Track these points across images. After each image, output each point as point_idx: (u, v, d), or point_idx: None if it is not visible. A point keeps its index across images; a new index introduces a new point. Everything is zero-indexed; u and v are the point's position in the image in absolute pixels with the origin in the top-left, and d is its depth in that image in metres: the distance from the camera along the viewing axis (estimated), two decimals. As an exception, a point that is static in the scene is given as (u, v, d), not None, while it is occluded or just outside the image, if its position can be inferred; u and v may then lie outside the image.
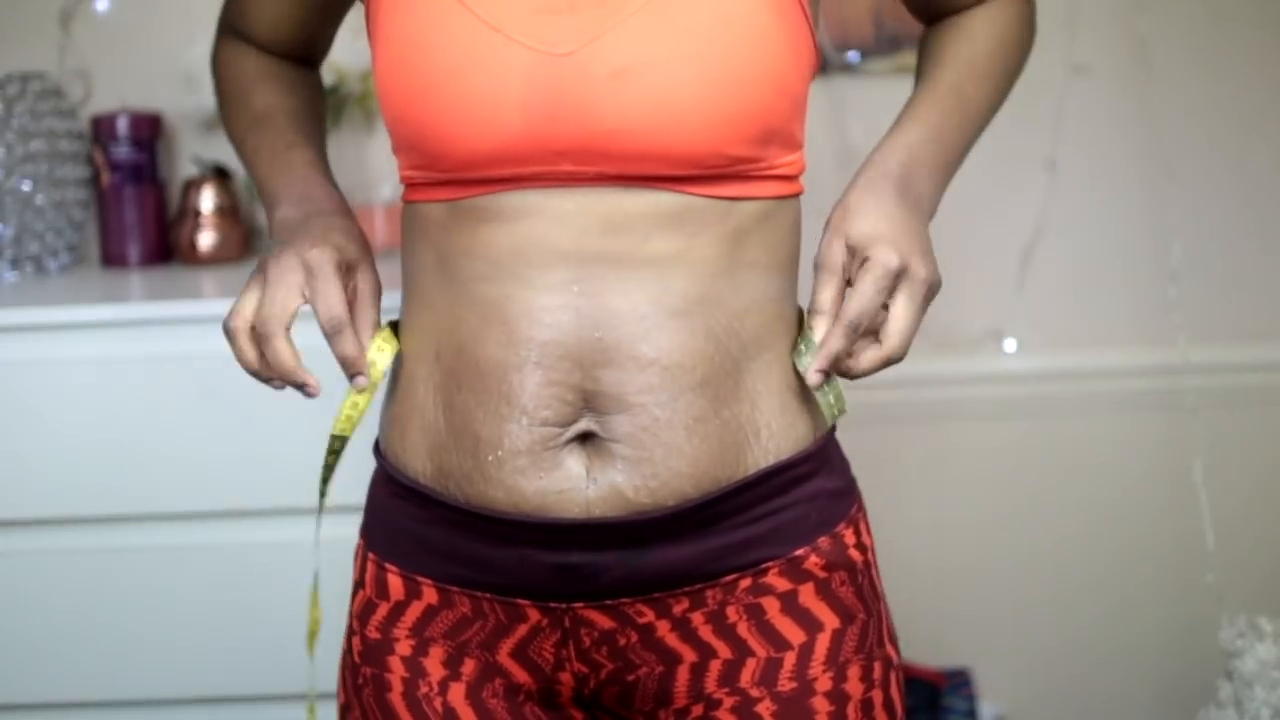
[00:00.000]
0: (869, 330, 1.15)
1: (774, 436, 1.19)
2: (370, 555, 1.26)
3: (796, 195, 1.20)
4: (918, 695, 2.25)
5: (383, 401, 1.27)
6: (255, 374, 1.21)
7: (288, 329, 1.18)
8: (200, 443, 1.82)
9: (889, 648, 1.25)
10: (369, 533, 1.28)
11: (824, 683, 1.20)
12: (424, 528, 1.21)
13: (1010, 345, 2.36)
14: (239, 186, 2.23)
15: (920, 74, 1.31)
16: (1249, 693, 2.03)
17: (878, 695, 1.23)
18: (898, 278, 1.14)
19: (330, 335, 1.18)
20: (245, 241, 2.20)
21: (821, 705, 1.20)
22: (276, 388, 1.22)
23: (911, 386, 2.31)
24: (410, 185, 1.21)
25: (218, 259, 2.15)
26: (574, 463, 1.15)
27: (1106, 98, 2.31)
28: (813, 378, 1.16)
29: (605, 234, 1.13)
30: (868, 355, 1.16)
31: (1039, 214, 2.31)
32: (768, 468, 1.18)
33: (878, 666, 1.23)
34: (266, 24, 1.37)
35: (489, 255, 1.15)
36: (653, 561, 1.17)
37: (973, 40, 1.30)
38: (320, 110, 1.41)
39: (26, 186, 2.09)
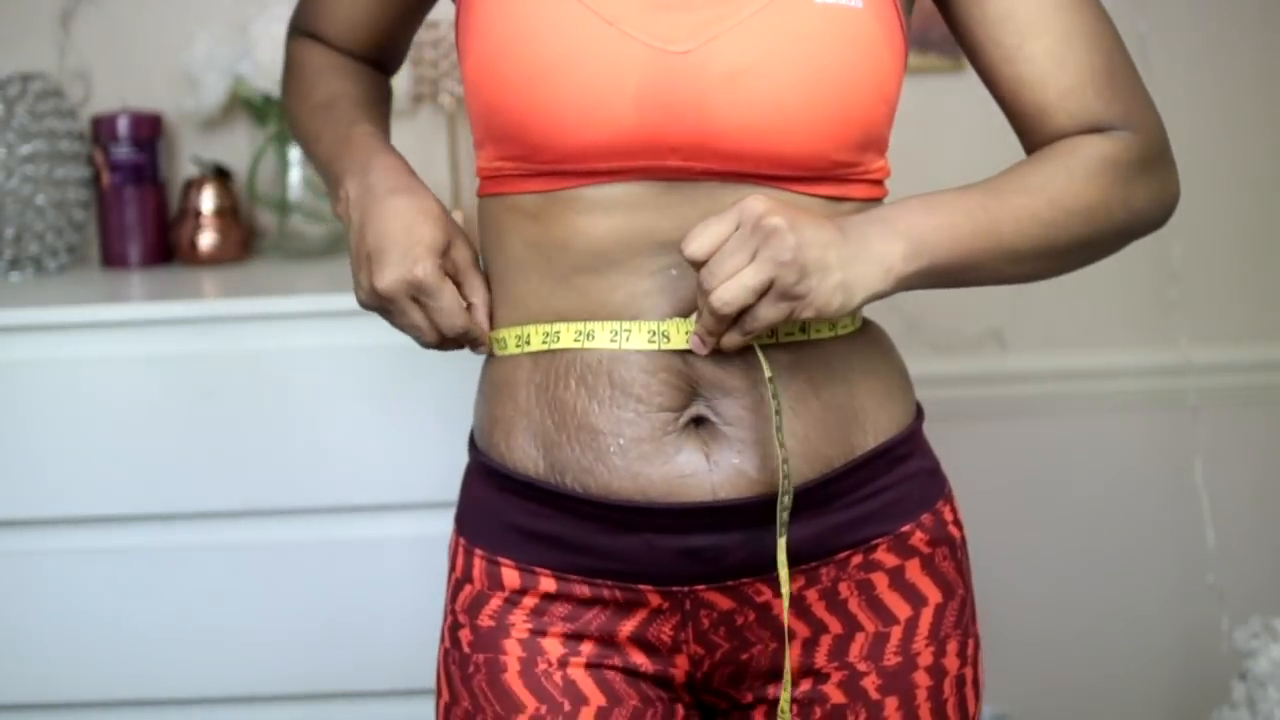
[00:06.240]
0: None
1: (870, 417, 1.21)
2: (477, 551, 1.25)
3: (881, 199, 1.21)
4: (918, 695, 2.25)
5: (477, 399, 1.27)
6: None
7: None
8: (200, 443, 1.82)
9: (978, 625, 1.29)
10: (470, 529, 1.27)
11: (925, 657, 1.23)
12: (539, 521, 1.21)
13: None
14: (239, 187, 2.23)
15: None
16: (1262, 693, 2.04)
17: (969, 672, 1.26)
18: (765, 239, 1.06)
19: (459, 341, 1.21)
20: (245, 242, 2.20)
21: (922, 679, 1.23)
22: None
23: (911, 386, 2.31)
24: (494, 178, 1.20)
25: (218, 259, 2.15)
26: (693, 448, 1.16)
27: (1106, 98, 2.30)
28: (692, 341, 1.14)
29: None
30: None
31: (1039, 214, 2.31)
32: (875, 448, 1.21)
33: (971, 644, 1.27)
34: (340, 22, 1.37)
35: (590, 247, 1.16)
36: (772, 541, 1.17)
37: (1041, 158, 1.20)
38: (387, 104, 1.40)
39: (27, 187, 2.09)
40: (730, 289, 1.07)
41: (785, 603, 1.17)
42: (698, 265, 1.09)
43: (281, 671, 1.86)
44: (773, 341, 1.16)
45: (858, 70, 1.13)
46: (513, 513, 1.22)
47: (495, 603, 1.23)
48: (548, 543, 1.21)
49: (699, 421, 1.17)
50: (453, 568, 1.28)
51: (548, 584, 1.22)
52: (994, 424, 2.35)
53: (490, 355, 1.24)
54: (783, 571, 1.16)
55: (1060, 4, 1.20)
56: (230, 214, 2.18)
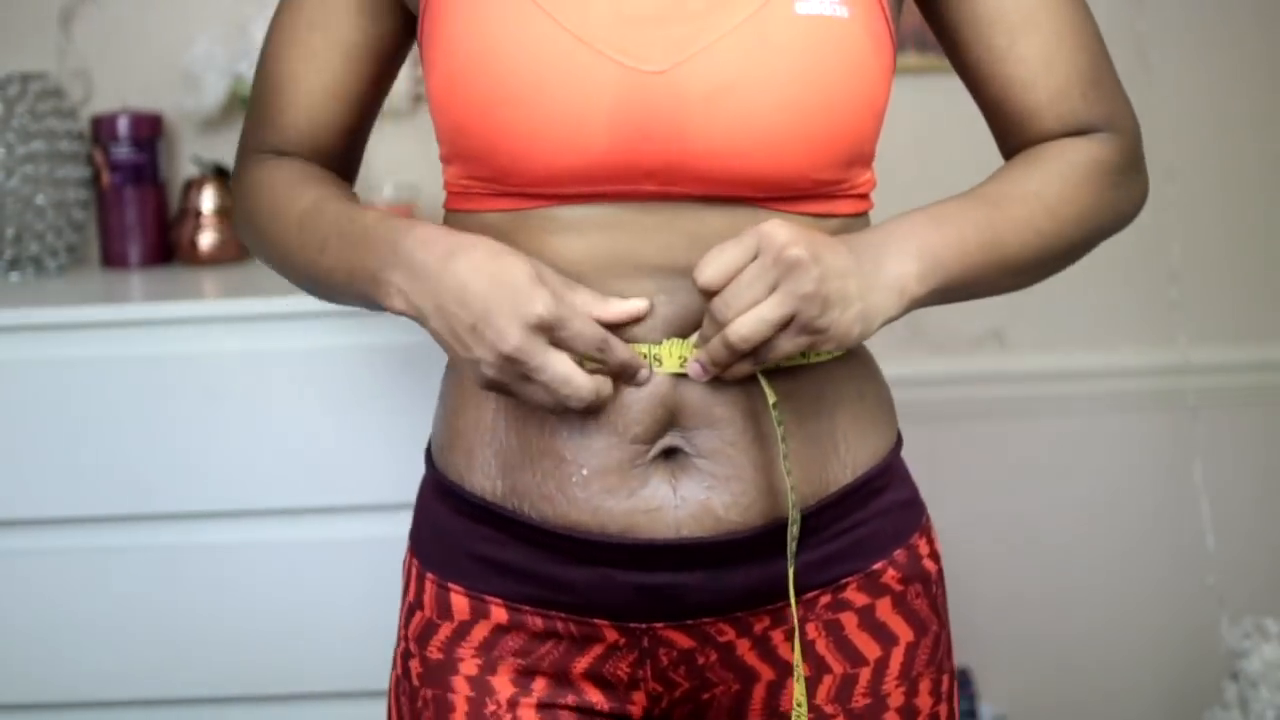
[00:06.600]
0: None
1: (850, 449, 1.16)
2: (429, 575, 1.19)
3: (868, 212, 1.16)
4: (918, 695, 2.25)
5: (438, 410, 1.22)
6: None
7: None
8: (200, 443, 1.82)
9: (952, 659, 1.24)
10: (423, 550, 1.21)
11: (896, 698, 1.18)
12: (493, 547, 1.15)
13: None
14: (239, 187, 2.24)
15: None
16: (1254, 693, 2.04)
17: (943, 709, 1.21)
18: (787, 271, 1.02)
19: (602, 353, 1.06)
20: (245, 242, 2.20)
21: None
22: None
23: (911, 386, 2.31)
24: (462, 194, 1.14)
25: (218, 259, 2.15)
26: (660, 480, 1.11)
27: (1106, 98, 2.31)
28: (691, 367, 1.08)
29: (693, 248, 1.07)
30: (713, 341, 1.05)
31: (1039, 214, 2.31)
32: (850, 484, 1.16)
33: (945, 679, 1.22)
34: (300, 126, 1.24)
35: (564, 268, 1.09)
36: (738, 581, 1.13)
37: (1032, 163, 1.17)
38: None
39: (27, 187, 2.09)
40: (748, 324, 1.03)
41: (796, 643, 1.13)
42: (709, 293, 1.04)
43: (286, 671, 1.86)
44: (773, 366, 1.09)
45: (845, 85, 1.07)
46: (466, 536, 1.16)
47: (444, 633, 1.17)
48: (501, 570, 1.15)
49: (669, 453, 1.11)
50: (406, 589, 1.22)
51: (499, 614, 1.15)
52: (994, 424, 2.35)
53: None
54: (793, 608, 1.12)
55: (1050, 3, 1.16)
56: (230, 214, 2.17)
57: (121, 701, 1.87)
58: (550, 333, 1.04)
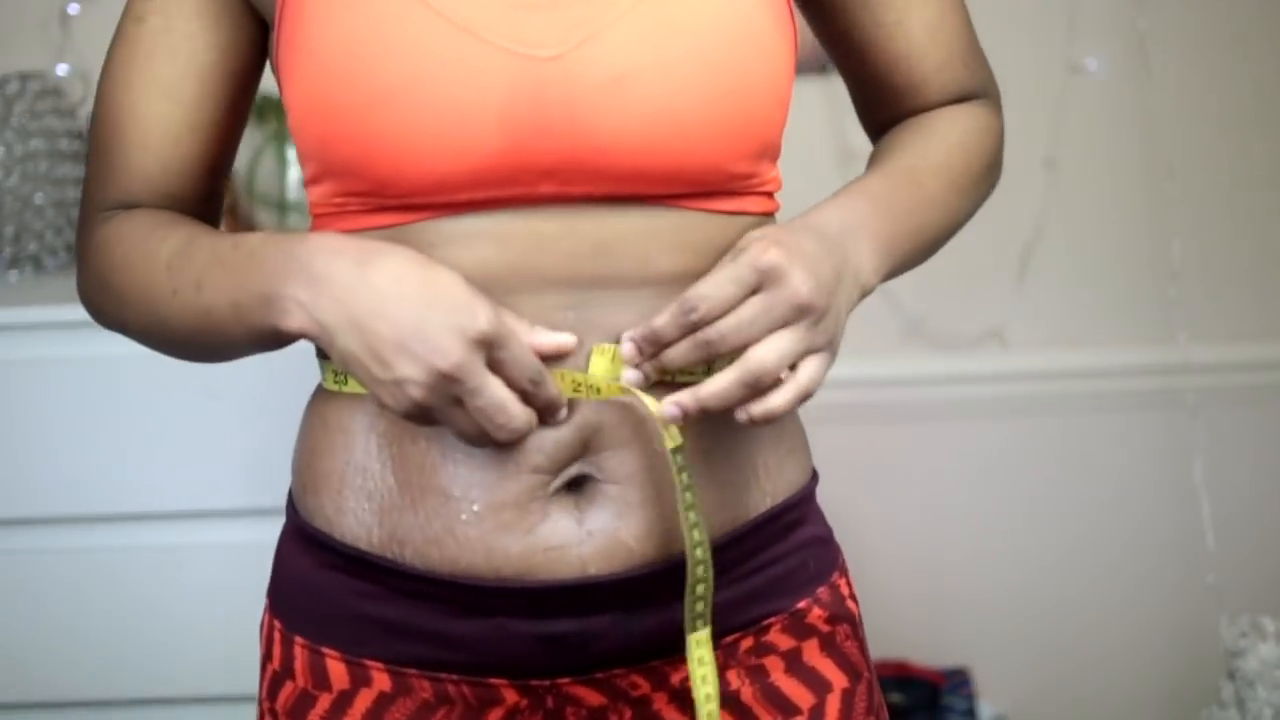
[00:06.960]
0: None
1: (770, 476, 1.06)
2: (298, 639, 1.05)
3: (775, 213, 1.08)
4: (917, 695, 2.25)
5: (299, 447, 1.10)
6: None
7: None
8: (200, 443, 1.82)
9: (886, 711, 1.15)
10: (286, 609, 1.07)
11: None
12: (369, 602, 1.02)
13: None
14: (238, 185, 2.23)
15: (869, 167, 1.14)
16: (1251, 692, 2.04)
17: None
18: (799, 314, 0.95)
19: (535, 386, 0.95)
20: (245, 241, 2.20)
21: None
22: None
23: (911, 386, 2.31)
24: (334, 215, 1.01)
25: (217, 258, 2.15)
26: (564, 513, 0.99)
27: (1106, 97, 2.31)
28: (668, 409, 0.96)
29: (599, 256, 0.98)
30: (715, 381, 0.95)
31: (1038, 213, 2.31)
32: (768, 511, 1.06)
33: None
34: (151, 164, 1.09)
35: None
36: (651, 624, 1.01)
37: (932, 135, 1.14)
38: None
39: (26, 185, 2.09)
40: (771, 357, 0.94)
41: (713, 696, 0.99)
42: (692, 323, 0.95)
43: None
44: (691, 379, 0.98)
45: (753, 67, 0.99)
46: (339, 592, 1.03)
47: (323, 706, 1.04)
48: (381, 629, 1.02)
49: (574, 482, 1.00)
50: (268, 655, 1.08)
51: (381, 680, 1.03)
52: (993, 423, 2.35)
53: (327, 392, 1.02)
54: (697, 693, 0.98)
55: None
56: (229, 213, 2.17)
57: (121, 701, 1.87)
58: (490, 351, 0.92)
